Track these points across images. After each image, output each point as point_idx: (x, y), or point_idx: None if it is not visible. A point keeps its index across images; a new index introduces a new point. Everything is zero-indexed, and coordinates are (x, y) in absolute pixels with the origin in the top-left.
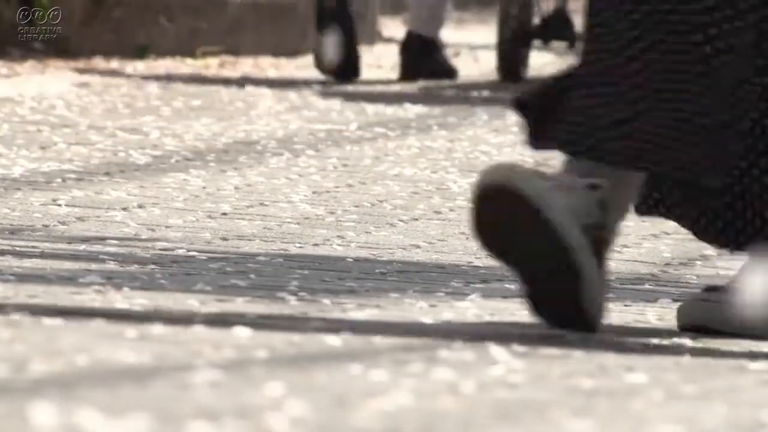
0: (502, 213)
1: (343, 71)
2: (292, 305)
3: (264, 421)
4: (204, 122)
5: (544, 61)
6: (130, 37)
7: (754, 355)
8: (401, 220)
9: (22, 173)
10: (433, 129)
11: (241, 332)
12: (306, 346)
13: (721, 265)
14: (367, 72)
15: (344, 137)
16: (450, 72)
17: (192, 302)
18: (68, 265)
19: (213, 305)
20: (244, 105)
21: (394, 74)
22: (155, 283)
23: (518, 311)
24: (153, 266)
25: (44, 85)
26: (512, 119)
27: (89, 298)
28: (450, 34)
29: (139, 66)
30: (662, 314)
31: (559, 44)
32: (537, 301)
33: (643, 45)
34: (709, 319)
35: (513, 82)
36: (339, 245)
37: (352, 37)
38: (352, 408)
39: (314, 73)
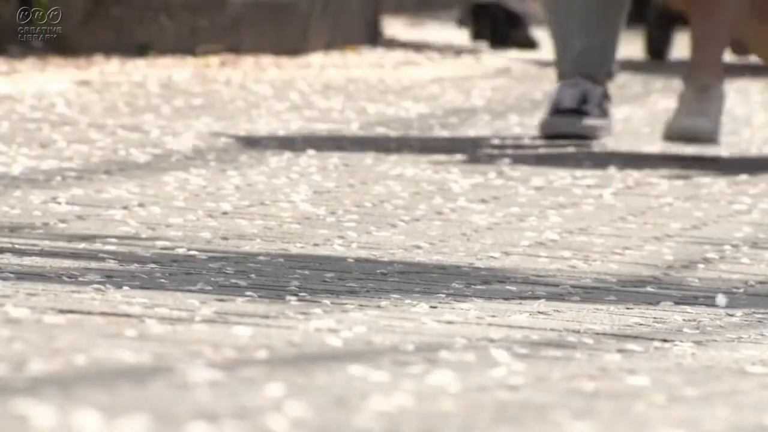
0: None
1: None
2: (292, 305)
3: (264, 422)
4: (204, 121)
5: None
6: (130, 36)
7: (756, 359)
8: (402, 221)
9: (21, 171)
10: (435, 129)
11: (241, 332)
12: (306, 346)
13: (723, 268)
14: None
15: (345, 137)
16: (532, 43)
17: (192, 302)
18: (68, 263)
19: (213, 305)
20: (245, 104)
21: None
22: (155, 282)
23: (520, 313)
24: (153, 265)
25: (44, 82)
26: (514, 119)
27: (89, 296)
28: (452, 34)
29: (140, 64)
30: (664, 317)
31: None
32: None
33: None
34: None
35: (659, 62)
36: (340, 245)
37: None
38: (352, 409)
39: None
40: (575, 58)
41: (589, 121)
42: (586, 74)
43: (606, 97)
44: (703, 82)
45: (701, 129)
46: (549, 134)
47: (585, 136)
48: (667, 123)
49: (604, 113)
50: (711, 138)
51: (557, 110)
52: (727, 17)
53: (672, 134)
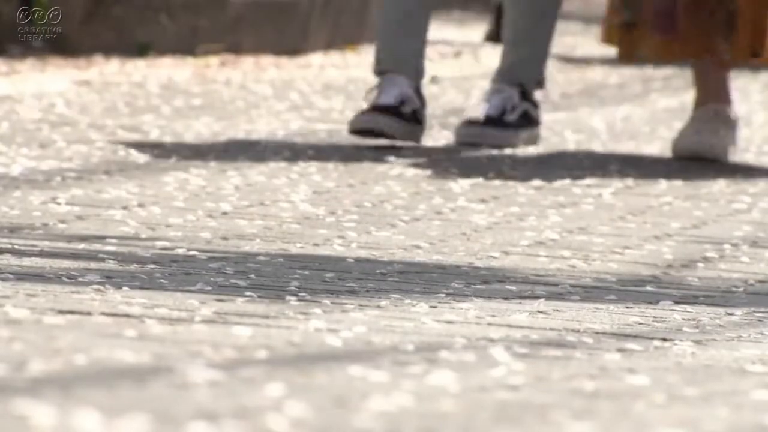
0: None
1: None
2: (292, 305)
3: (264, 422)
4: (204, 121)
5: None
6: (130, 36)
7: (756, 358)
8: (402, 221)
9: (21, 171)
10: (434, 129)
11: (241, 332)
12: (306, 346)
13: (723, 267)
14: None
15: (345, 137)
16: None
17: (192, 302)
18: (67, 263)
19: (213, 305)
20: (245, 104)
21: None
22: (155, 282)
23: (519, 312)
24: (153, 265)
25: (44, 83)
26: None
27: (88, 297)
28: (451, 34)
29: (140, 64)
30: (664, 316)
31: None
32: None
33: None
34: None
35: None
36: (339, 245)
37: None
38: (352, 409)
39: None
40: (507, 65)
41: (503, 133)
42: (515, 82)
43: (534, 105)
44: (710, 107)
45: (708, 145)
46: (461, 143)
47: (501, 146)
48: (674, 140)
49: (528, 123)
50: (718, 154)
51: (483, 118)
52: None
53: (679, 150)
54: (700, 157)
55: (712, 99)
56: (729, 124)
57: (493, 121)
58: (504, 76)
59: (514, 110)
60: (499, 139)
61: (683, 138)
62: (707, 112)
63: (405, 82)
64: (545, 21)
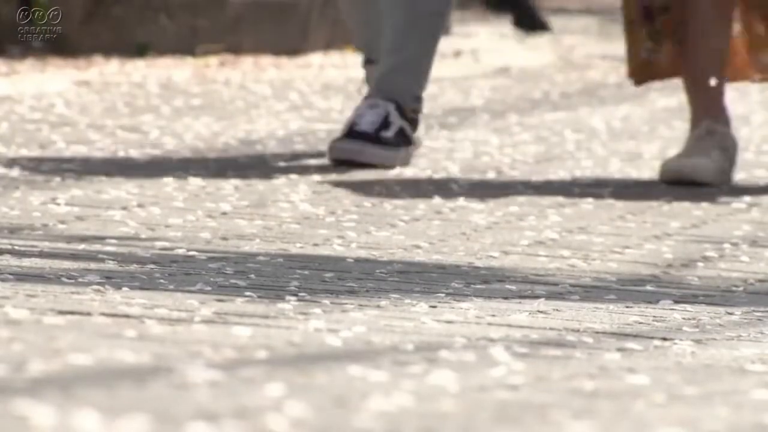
0: None
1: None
2: (292, 305)
3: (264, 422)
4: (204, 121)
5: None
6: (130, 36)
7: (755, 357)
8: (402, 220)
9: (21, 172)
10: (434, 129)
11: (241, 332)
12: (306, 346)
13: (722, 266)
14: None
15: None
16: (541, 24)
17: (191, 302)
18: (67, 264)
19: (213, 305)
20: (245, 104)
21: None
22: (154, 282)
23: (519, 312)
24: (152, 266)
25: (44, 83)
26: (513, 119)
27: (88, 297)
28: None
29: (139, 64)
30: (664, 315)
31: None
32: None
33: None
34: None
35: None
36: (339, 245)
37: None
38: (352, 409)
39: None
40: (379, 78)
41: (381, 151)
42: (389, 97)
43: (412, 122)
44: (706, 127)
45: (698, 168)
46: (336, 159)
47: (374, 166)
48: (664, 162)
49: (404, 142)
50: (705, 176)
51: (351, 132)
52: (715, 65)
53: (667, 174)
54: (686, 180)
55: (706, 117)
56: (723, 145)
57: (369, 137)
58: (378, 90)
59: (389, 127)
60: (378, 157)
61: (670, 161)
62: (699, 131)
63: None
64: (423, 32)
